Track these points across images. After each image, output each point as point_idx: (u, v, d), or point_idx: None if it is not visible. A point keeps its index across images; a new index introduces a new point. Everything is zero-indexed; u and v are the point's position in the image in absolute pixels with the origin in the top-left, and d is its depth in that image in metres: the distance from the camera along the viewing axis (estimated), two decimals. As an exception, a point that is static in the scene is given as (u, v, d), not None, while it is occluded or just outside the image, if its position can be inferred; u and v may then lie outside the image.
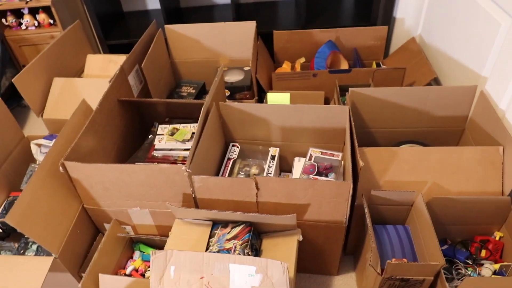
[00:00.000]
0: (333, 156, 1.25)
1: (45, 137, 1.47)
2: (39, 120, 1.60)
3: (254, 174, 1.27)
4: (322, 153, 1.27)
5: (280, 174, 1.41)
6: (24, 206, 0.98)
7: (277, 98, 1.40)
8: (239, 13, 2.04)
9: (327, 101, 1.62)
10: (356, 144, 1.07)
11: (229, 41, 1.77)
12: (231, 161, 1.34)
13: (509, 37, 1.15)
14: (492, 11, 1.24)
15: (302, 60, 1.82)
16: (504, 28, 1.18)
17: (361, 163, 0.98)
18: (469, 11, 1.37)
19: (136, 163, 1.33)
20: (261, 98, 1.72)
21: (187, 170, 0.99)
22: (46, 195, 1.05)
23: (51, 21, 1.97)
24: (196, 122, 1.15)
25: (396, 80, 1.58)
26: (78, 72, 1.78)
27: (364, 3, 1.98)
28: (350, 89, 1.26)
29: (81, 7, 2.17)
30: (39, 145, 1.45)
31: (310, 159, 1.24)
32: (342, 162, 1.23)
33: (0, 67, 1.95)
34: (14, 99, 2.14)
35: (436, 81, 1.67)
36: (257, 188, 0.99)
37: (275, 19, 2.00)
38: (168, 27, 1.74)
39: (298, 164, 1.29)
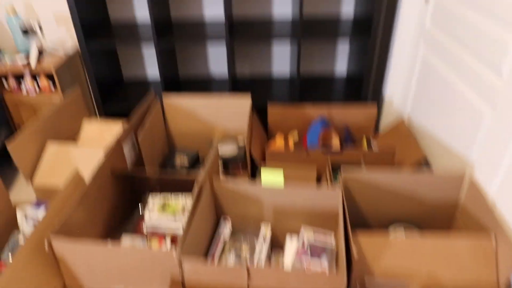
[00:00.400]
0: (325, 237, 1.23)
1: (32, 204, 1.43)
2: (28, 182, 1.57)
3: (246, 255, 1.24)
4: (314, 232, 1.25)
5: (271, 252, 1.38)
6: (3, 285, 0.93)
7: (270, 176, 1.40)
8: (235, 87, 2.11)
9: (319, 177, 1.63)
10: (349, 230, 1.06)
11: (225, 113, 1.81)
12: (221, 237, 1.31)
13: (493, 127, 1.20)
14: (475, 101, 1.30)
15: (295, 133, 1.86)
16: (487, 118, 1.23)
17: (355, 255, 0.97)
18: (453, 98, 1.44)
19: (123, 237, 1.29)
20: (253, 170, 1.73)
21: (177, 255, 0.96)
22: (29, 275, 1.00)
23: (52, 88, 2.01)
24: (187, 193, 1.14)
25: (387, 160, 1.61)
26: (73, 136, 1.79)
27: (355, 82, 2.07)
28: (342, 171, 1.28)
29: (82, 73, 2.22)
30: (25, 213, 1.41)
31: (302, 241, 1.22)
32: (334, 243, 1.21)
33: (-5, 128, 1.95)
34: (4, 158, 2.11)
35: (425, 161, 1.71)
36: (249, 276, 0.96)
37: (270, 93, 2.06)
38: (166, 96, 1.79)
39: (291, 244, 1.27)
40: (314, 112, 1.87)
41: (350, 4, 2.06)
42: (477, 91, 1.30)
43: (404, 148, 1.70)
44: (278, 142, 1.81)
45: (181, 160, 1.76)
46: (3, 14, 2.09)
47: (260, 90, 2.10)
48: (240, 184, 1.25)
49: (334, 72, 2.28)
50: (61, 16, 2.09)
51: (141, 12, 2.08)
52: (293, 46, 2.01)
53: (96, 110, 2.10)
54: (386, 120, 2.09)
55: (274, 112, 1.87)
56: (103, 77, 2.00)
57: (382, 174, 1.30)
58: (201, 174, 1.22)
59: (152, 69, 2.27)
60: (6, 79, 2.03)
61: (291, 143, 1.81)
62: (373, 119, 1.89)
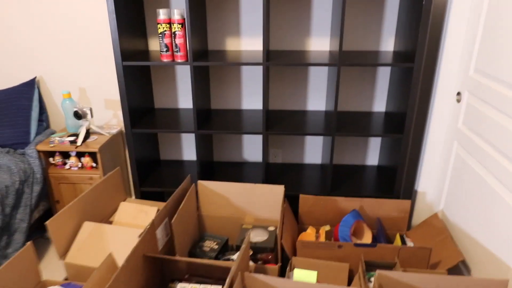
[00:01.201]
0: None
1: (62, 285, 1.44)
2: (60, 259, 1.60)
3: None
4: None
5: None
6: None
7: (303, 276, 1.38)
8: (267, 172, 2.16)
9: (351, 274, 1.58)
10: None
11: (257, 201, 1.84)
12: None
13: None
14: (517, 208, 1.27)
15: (327, 228, 1.84)
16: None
17: None
18: (491, 199, 1.42)
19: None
20: (283, 260, 1.70)
21: None
22: None
23: (94, 164, 2.12)
24: (216, 284, 1.12)
25: (422, 259, 1.56)
26: (109, 215, 1.84)
27: (387, 175, 2.08)
28: (377, 271, 1.24)
29: (122, 152, 2.35)
30: (55, 293, 1.41)
31: None
32: None
33: (36, 201, 2.04)
34: (39, 230, 2.17)
35: (464, 264, 1.63)
36: None
37: (301, 181, 2.09)
38: (201, 182, 1.84)
39: None
40: (347, 205, 1.87)
41: (382, 101, 2.15)
42: (516, 196, 1.28)
43: (440, 246, 1.64)
44: (310, 235, 1.79)
45: (210, 245, 1.76)
46: (59, 97, 2.30)
47: (292, 176, 2.14)
48: (272, 280, 1.23)
49: (366, 163, 2.31)
50: (110, 101, 2.28)
51: (184, 102, 2.24)
52: (326, 139, 2.08)
53: (133, 189, 2.17)
54: (419, 214, 2.05)
55: (306, 203, 1.88)
56: (142, 157, 2.10)
57: (420, 275, 1.25)
58: (233, 267, 1.21)
59: (188, 151, 2.37)
60: (53, 156, 2.17)
61: (322, 236, 1.79)
62: (406, 214, 1.86)
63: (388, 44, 2.02)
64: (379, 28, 1.99)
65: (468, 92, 1.63)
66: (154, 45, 2.12)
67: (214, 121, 2.03)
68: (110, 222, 1.81)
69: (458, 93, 1.70)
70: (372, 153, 2.28)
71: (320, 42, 2.05)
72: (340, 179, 2.13)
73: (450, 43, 1.72)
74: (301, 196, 1.88)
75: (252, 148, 2.33)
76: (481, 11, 1.55)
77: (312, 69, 2.11)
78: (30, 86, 2.19)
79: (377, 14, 1.97)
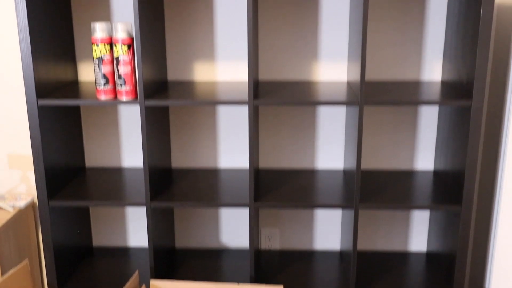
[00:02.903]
0: None
1: None
2: None
3: None
4: None
5: None
6: None
7: None
8: (258, 264, 2.13)
9: None
10: None
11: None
12: None
13: None
14: None
15: None
16: None
17: None
18: None
19: None
20: None
21: None
22: None
23: (-12, 256, 2.08)
24: None
25: None
26: None
27: (441, 268, 2.07)
28: None
29: (34, 237, 2.31)
30: None
31: None
32: None
33: None
34: None
35: None
36: None
37: (311, 279, 2.07)
38: (155, 284, 1.80)
39: None
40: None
41: (428, 155, 2.19)
42: None
43: None
44: None
45: None
46: None
47: (295, 270, 2.11)
48: None
49: (408, 248, 2.30)
50: (18, 157, 2.27)
51: (131, 159, 2.24)
52: (346, 213, 2.08)
53: (47, 294, 2.11)
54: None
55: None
56: (65, 244, 2.06)
57: None
58: None
59: (136, 234, 2.34)
60: None
61: None
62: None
63: (433, 71, 2.09)
64: (419, 48, 2.06)
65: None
66: (86, 73, 2.15)
67: (176, 187, 2.02)
68: None
69: (539, 144, 1.74)
70: (417, 234, 2.28)
71: (333, 69, 2.11)
72: (369, 274, 2.11)
73: (523, 71, 1.78)
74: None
75: (234, 227, 2.32)
76: None
77: (323, 110, 2.15)
78: None
79: (414, 29, 2.04)
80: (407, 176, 2.14)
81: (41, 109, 1.83)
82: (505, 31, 1.93)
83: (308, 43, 2.08)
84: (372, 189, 2.00)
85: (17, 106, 2.21)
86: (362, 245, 2.31)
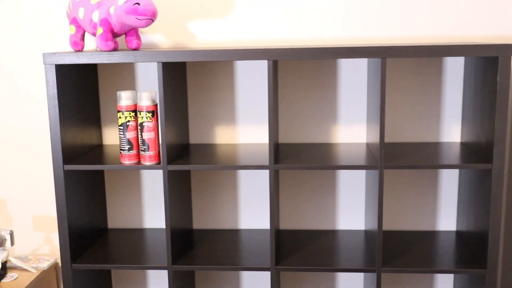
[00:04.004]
0: None
1: None
2: None
3: None
4: None
5: None
6: None
7: None
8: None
9: None
10: None
11: None
12: None
13: None
14: None
15: None
16: None
17: None
18: None
19: None
20: None
21: None
22: None
23: (11, 319, 2.09)
24: None
25: None
26: None
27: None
28: None
29: (56, 298, 2.32)
30: None
31: None
32: None
33: None
34: None
35: None
36: None
37: None
38: None
39: None
40: None
41: (450, 216, 2.18)
42: None
43: None
44: None
45: None
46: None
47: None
48: None
49: (431, 311, 2.26)
50: (42, 219, 2.31)
51: (153, 220, 2.27)
52: (368, 276, 2.07)
53: None
54: None
55: None
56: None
57: None
58: None
59: (157, 296, 2.34)
60: (-50, 306, 2.13)
61: None
62: None
63: (451, 133, 2.10)
64: (437, 110, 2.09)
65: None
66: (110, 138, 2.21)
67: (197, 250, 2.03)
68: None
69: (562, 206, 1.73)
70: (441, 295, 2.25)
71: (352, 131, 2.14)
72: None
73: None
74: None
75: (254, 289, 2.31)
76: None
77: (343, 172, 2.17)
78: None
79: (432, 92, 2.08)
80: (430, 237, 2.12)
81: (66, 173, 1.88)
82: (523, 93, 1.95)
83: (327, 106, 2.12)
84: (394, 251, 1.99)
85: (43, 169, 2.27)
86: (385, 308, 2.29)
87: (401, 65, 2.07)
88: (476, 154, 1.88)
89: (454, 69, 2.06)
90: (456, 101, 2.08)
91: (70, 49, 2.12)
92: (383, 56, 1.69)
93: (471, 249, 1.97)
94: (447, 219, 2.18)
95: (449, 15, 2.02)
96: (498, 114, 1.72)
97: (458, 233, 2.14)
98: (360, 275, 2.26)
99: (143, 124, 1.81)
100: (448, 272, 1.85)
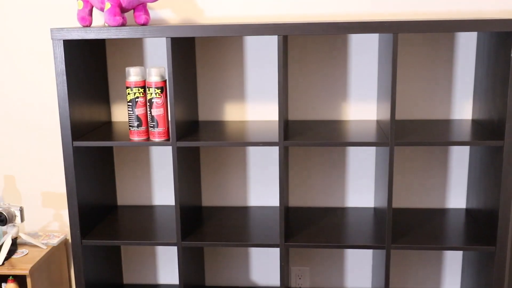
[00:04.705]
0: None
1: None
2: None
3: None
4: None
5: None
6: None
7: None
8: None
9: None
10: None
11: None
12: None
13: None
14: None
15: None
16: None
17: None
18: None
19: None
20: None
21: None
22: None
23: (21, 294, 2.11)
24: None
25: None
26: None
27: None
28: None
29: (66, 275, 2.34)
30: None
31: None
32: None
33: None
34: None
35: None
36: None
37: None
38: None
39: None
40: None
41: (460, 194, 2.18)
42: None
43: None
44: None
45: None
46: (-24, 190, 2.35)
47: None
48: None
49: (440, 288, 2.28)
50: (51, 195, 2.32)
51: (162, 197, 2.28)
52: (377, 253, 2.08)
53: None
54: None
55: None
56: (97, 282, 2.09)
57: None
58: None
59: (167, 272, 2.36)
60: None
61: None
62: None
63: (463, 110, 2.09)
64: (448, 88, 2.08)
65: None
66: (119, 115, 2.21)
67: (206, 226, 2.04)
68: None
69: None
70: (451, 274, 2.27)
71: (362, 109, 2.13)
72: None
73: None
74: None
75: (264, 266, 2.33)
76: None
77: (353, 149, 2.17)
78: None
79: (444, 68, 2.06)
80: (439, 214, 2.13)
81: (76, 150, 1.88)
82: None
83: (337, 83, 2.11)
84: (404, 228, 1.99)
85: (51, 145, 2.27)
86: (394, 284, 2.30)
87: (413, 41, 2.05)
88: (488, 131, 1.87)
89: (467, 45, 2.04)
90: (468, 78, 2.07)
91: (78, 24, 2.11)
92: (396, 32, 1.68)
93: (480, 227, 1.97)
94: (457, 196, 2.18)
95: (462, -11, 2.00)
96: (510, 91, 1.71)
97: (467, 210, 2.14)
98: (369, 252, 2.28)
99: (152, 100, 1.81)
100: (457, 249, 1.86)
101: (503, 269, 1.85)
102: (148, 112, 1.83)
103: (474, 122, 2.03)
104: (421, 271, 2.27)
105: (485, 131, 1.87)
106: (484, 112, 1.94)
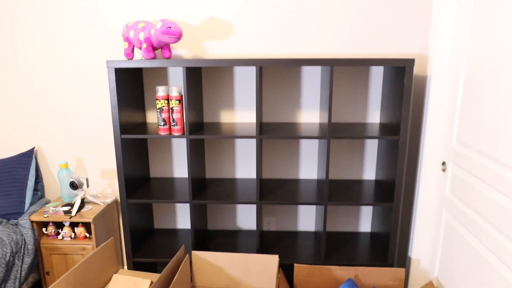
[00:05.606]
0: None
1: None
2: None
3: None
4: None
5: None
6: None
7: None
8: (262, 240, 2.15)
9: None
10: None
11: (252, 271, 1.82)
12: None
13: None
14: (505, 273, 1.28)
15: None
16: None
17: None
18: (481, 267, 1.43)
19: None
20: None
21: None
22: None
23: (87, 235, 2.10)
24: None
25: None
26: (102, 287, 1.80)
27: (380, 242, 2.08)
28: None
29: (116, 222, 2.34)
30: None
31: None
32: None
33: (26, 274, 1.99)
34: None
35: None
36: None
37: (296, 250, 2.08)
38: (195, 253, 1.83)
39: None
40: (341, 274, 1.86)
41: (371, 170, 2.22)
42: (505, 262, 1.30)
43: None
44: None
45: (204, 320, 1.71)
46: (56, 167, 2.33)
47: (286, 244, 2.13)
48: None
49: (359, 229, 2.32)
50: (106, 171, 2.31)
51: (180, 171, 2.28)
52: (319, 207, 2.11)
53: (125, 260, 2.13)
54: (414, 282, 2.03)
55: (301, 272, 1.87)
56: (136, 227, 2.09)
57: None
58: None
59: (183, 220, 2.37)
60: (47, 226, 2.15)
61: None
62: (401, 282, 1.85)
63: (374, 116, 2.13)
64: (365, 101, 2.11)
65: (453, 162, 1.70)
66: (151, 117, 2.21)
67: (208, 190, 2.06)
68: (102, 297, 1.76)
69: (443, 163, 1.78)
70: (365, 220, 2.30)
71: (310, 115, 2.15)
72: (334, 246, 2.13)
73: (432, 116, 1.82)
74: (296, 265, 1.86)
75: (246, 216, 2.34)
76: (458, 86, 1.67)
77: (303, 141, 2.19)
78: (28, 156, 2.22)
79: (362, 89, 2.09)
80: (358, 183, 2.17)
81: (122, 140, 1.88)
82: (420, 92, 1.97)
83: (294, 98, 2.13)
84: (336, 191, 2.03)
85: (107, 138, 2.27)
86: (329, 227, 2.33)
87: (344, 71, 2.08)
88: (389, 130, 1.91)
89: (377, 74, 2.08)
90: (377, 94, 2.10)
91: (124, 58, 2.10)
92: (332, 65, 1.71)
93: (384, 190, 2.02)
94: (369, 170, 2.22)
95: (375, 40, 2.03)
96: (404, 104, 1.75)
97: (376, 181, 2.18)
98: (313, 207, 2.31)
99: (173, 108, 1.82)
100: (369, 205, 1.90)
101: (397, 217, 1.90)
102: (171, 116, 1.84)
103: (381, 124, 2.07)
104: (346, 219, 2.31)
105: (387, 130, 1.91)
106: (387, 117, 1.98)
